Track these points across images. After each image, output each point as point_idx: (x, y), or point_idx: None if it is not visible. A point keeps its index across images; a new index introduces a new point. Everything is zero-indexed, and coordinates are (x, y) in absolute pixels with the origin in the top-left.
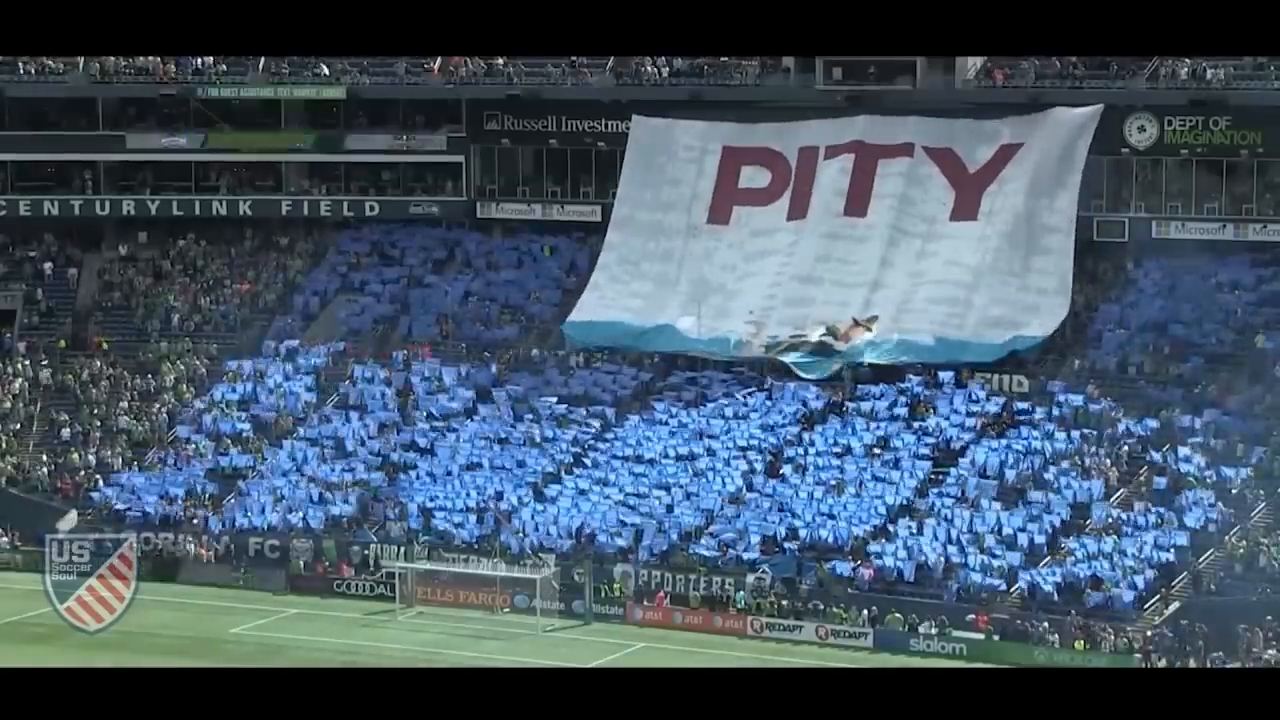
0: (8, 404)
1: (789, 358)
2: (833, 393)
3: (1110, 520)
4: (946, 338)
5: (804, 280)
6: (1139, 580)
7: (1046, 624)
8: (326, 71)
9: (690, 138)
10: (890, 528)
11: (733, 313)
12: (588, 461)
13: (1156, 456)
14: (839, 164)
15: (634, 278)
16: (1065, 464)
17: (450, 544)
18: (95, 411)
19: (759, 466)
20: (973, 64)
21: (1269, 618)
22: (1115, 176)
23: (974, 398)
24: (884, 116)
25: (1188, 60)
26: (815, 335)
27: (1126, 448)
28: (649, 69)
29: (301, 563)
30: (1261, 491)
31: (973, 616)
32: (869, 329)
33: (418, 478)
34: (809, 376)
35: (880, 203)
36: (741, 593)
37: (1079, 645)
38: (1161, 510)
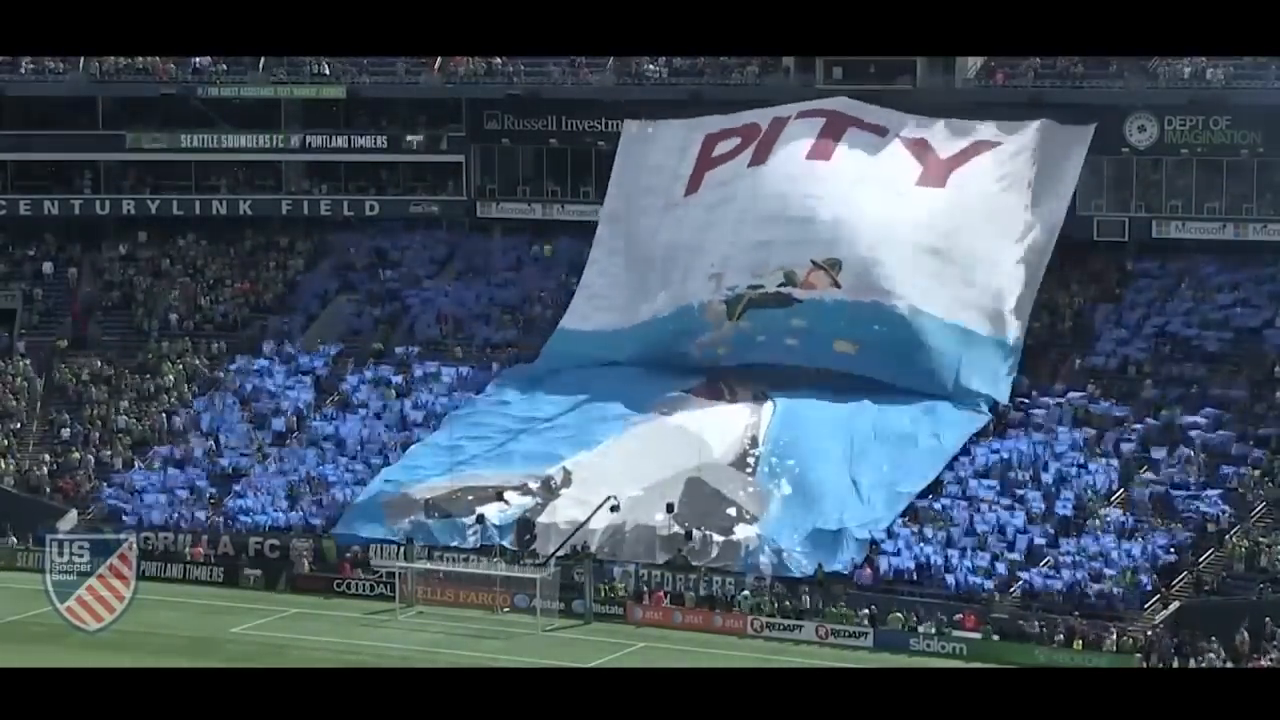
0: (8, 404)
1: (746, 321)
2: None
3: (1110, 520)
4: (921, 310)
5: (763, 220)
6: (1139, 580)
7: (1046, 624)
8: (327, 71)
9: (676, 131)
10: (892, 527)
11: (695, 271)
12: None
13: (1156, 456)
14: (809, 124)
15: (620, 268)
16: (1065, 463)
17: (450, 544)
18: (95, 411)
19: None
20: (973, 64)
21: (1267, 619)
22: (1115, 176)
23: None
24: (863, 103)
25: (1188, 60)
26: (773, 285)
27: (1126, 447)
28: (649, 69)
29: (302, 563)
30: (1261, 491)
31: (959, 616)
32: (833, 278)
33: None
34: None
35: (845, 156)
36: (745, 592)
37: (1079, 645)
38: (1161, 511)
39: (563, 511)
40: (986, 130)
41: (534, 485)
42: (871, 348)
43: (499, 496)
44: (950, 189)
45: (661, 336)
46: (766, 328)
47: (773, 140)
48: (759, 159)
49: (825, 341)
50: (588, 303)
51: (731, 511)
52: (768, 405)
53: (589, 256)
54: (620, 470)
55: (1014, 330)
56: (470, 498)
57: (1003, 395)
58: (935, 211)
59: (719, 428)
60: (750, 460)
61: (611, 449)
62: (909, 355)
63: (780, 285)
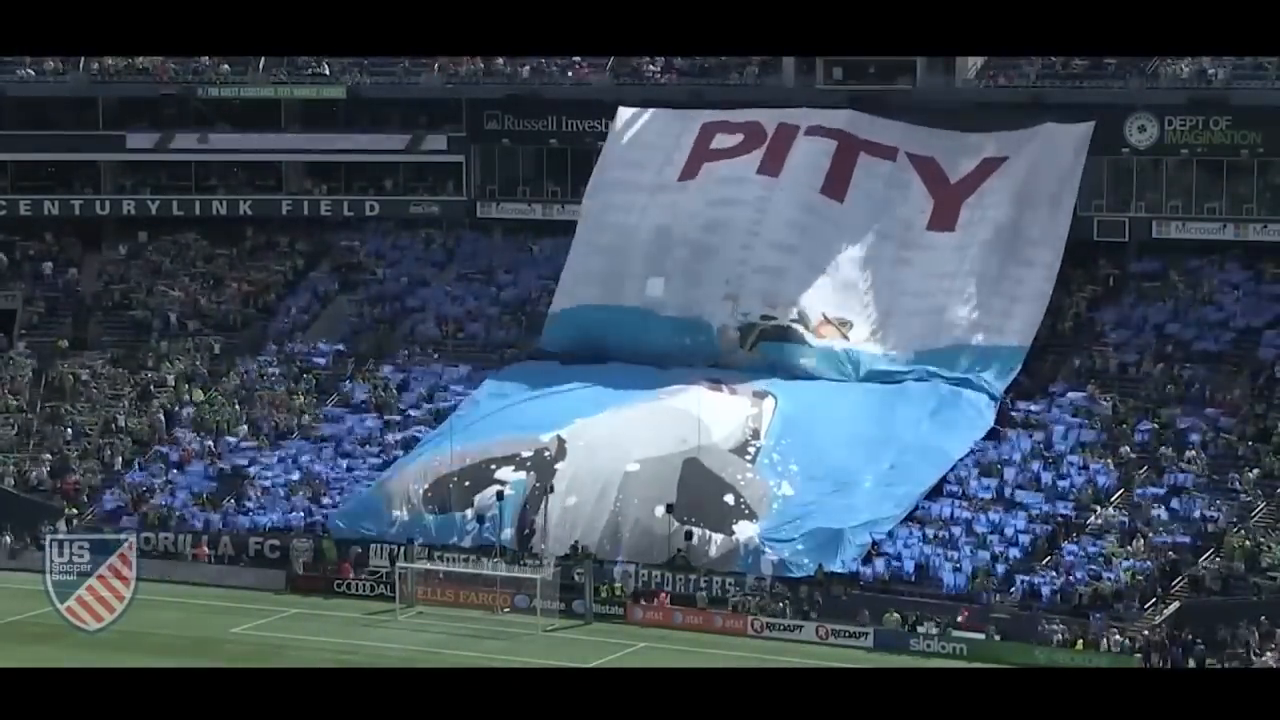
0: (8, 404)
1: (764, 350)
2: None
3: (1110, 520)
4: (924, 351)
5: (776, 247)
6: (1139, 580)
7: (1046, 624)
8: (326, 71)
9: (669, 120)
10: (893, 527)
11: (704, 278)
12: None
13: (1156, 457)
14: (820, 144)
15: (596, 232)
16: (1066, 464)
17: (451, 543)
18: (95, 411)
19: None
20: (973, 64)
21: (1263, 618)
22: (1115, 176)
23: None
24: (870, 115)
25: (1188, 60)
26: (785, 319)
27: (1127, 448)
28: (649, 69)
29: (301, 563)
30: (1261, 491)
31: (981, 616)
32: (844, 333)
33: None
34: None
35: (858, 196)
36: (745, 592)
37: (1079, 645)
38: (1161, 511)
39: (559, 504)
40: (992, 144)
41: (526, 454)
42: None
43: (492, 476)
44: (960, 230)
45: (671, 340)
46: (779, 358)
47: (782, 151)
48: (770, 168)
49: (833, 374)
50: (572, 278)
51: (729, 499)
52: (769, 400)
53: (575, 230)
54: (616, 440)
55: (1019, 332)
56: (467, 483)
57: (999, 390)
58: (947, 255)
59: (719, 414)
60: (750, 450)
61: (607, 419)
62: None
63: (793, 321)
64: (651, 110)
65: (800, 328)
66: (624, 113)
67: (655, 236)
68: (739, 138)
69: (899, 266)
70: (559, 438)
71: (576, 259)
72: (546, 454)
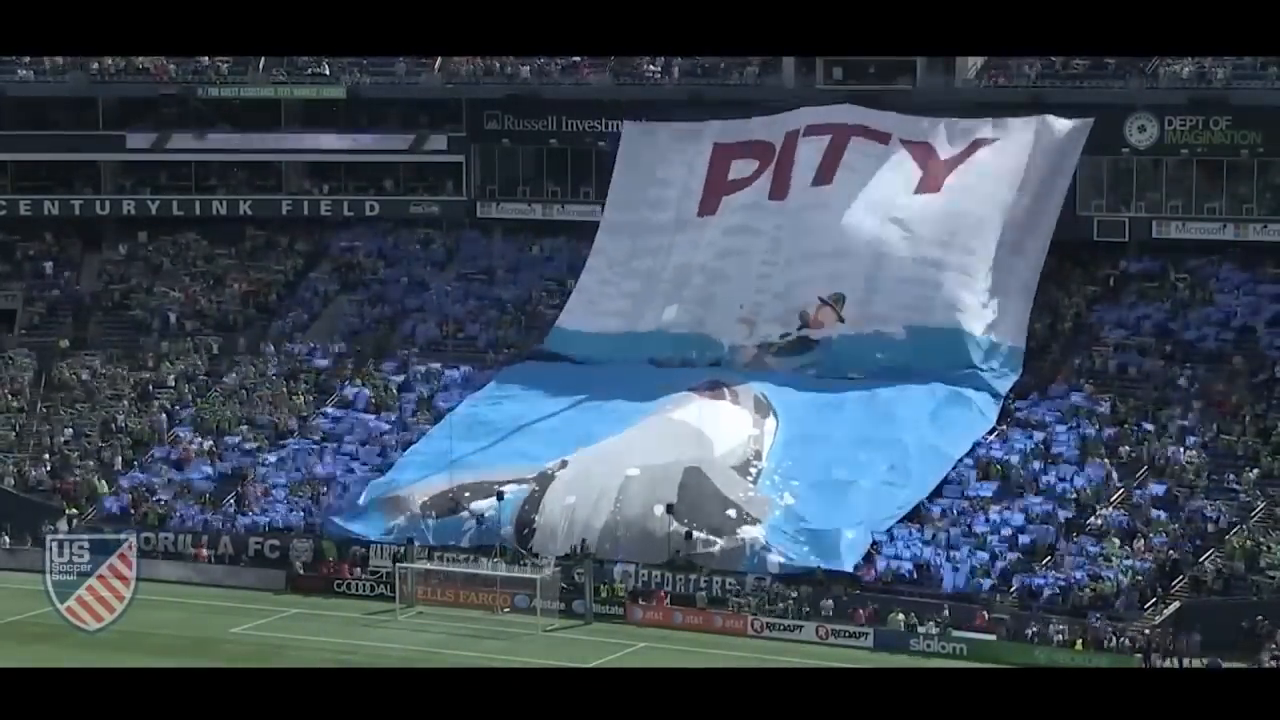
0: (8, 404)
1: (781, 362)
2: None
3: (1110, 520)
4: (915, 326)
5: (788, 265)
6: (1139, 580)
7: (1047, 624)
8: (326, 71)
9: (681, 140)
10: (893, 528)
11: (717, 301)
12: None
13: (1156, 456)
14: (816, 142)
15: (624, 278)
16: (1065, 464)
17: (450, 544)
18: (95, 411)
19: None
20: (973, 64)
21: (1260, 617)
22: (1115, 176)
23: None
24: (869, 109)
25: (1188, 60)
26: (794, 329)
27: (1127, 448)
28: (649, 69)
29: (301, 563)
30: (1261, 491)
31: (982, 616)
32: (838, 314)
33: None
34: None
35: (846, 173)
36: (745, 592)
37: (1079, 645)
38: (1161, 510)
39: (558, 503)
40: (986, 129)
41: (530, 476)
42: (876, 373)
43: (494, 490)
44: (945, 193)
45: (675, 356)
46: (786, 364)
47: (788, 166)
48: (778, 192)
49: (838, 374)
50: (586, 307)
51: (731, 514)
52: (770, 420)
53: (586, 261)
54: (618, 454)
55: (1012, 327)
56: (466, 494)
57: (1002, 389)
58: (931, 220)
59: (721, 426)
60: (752, 470)
61: (609, 444)
62: (909, 369)
63: (799, 329)
64: (660, 128)
65: (805, 330)
66: (631, 129)
67: (675, 274)
68: (753, 164)
69: (885, 225)
70: (561, 460)
71: (591, 288)
72: (548, 471)
